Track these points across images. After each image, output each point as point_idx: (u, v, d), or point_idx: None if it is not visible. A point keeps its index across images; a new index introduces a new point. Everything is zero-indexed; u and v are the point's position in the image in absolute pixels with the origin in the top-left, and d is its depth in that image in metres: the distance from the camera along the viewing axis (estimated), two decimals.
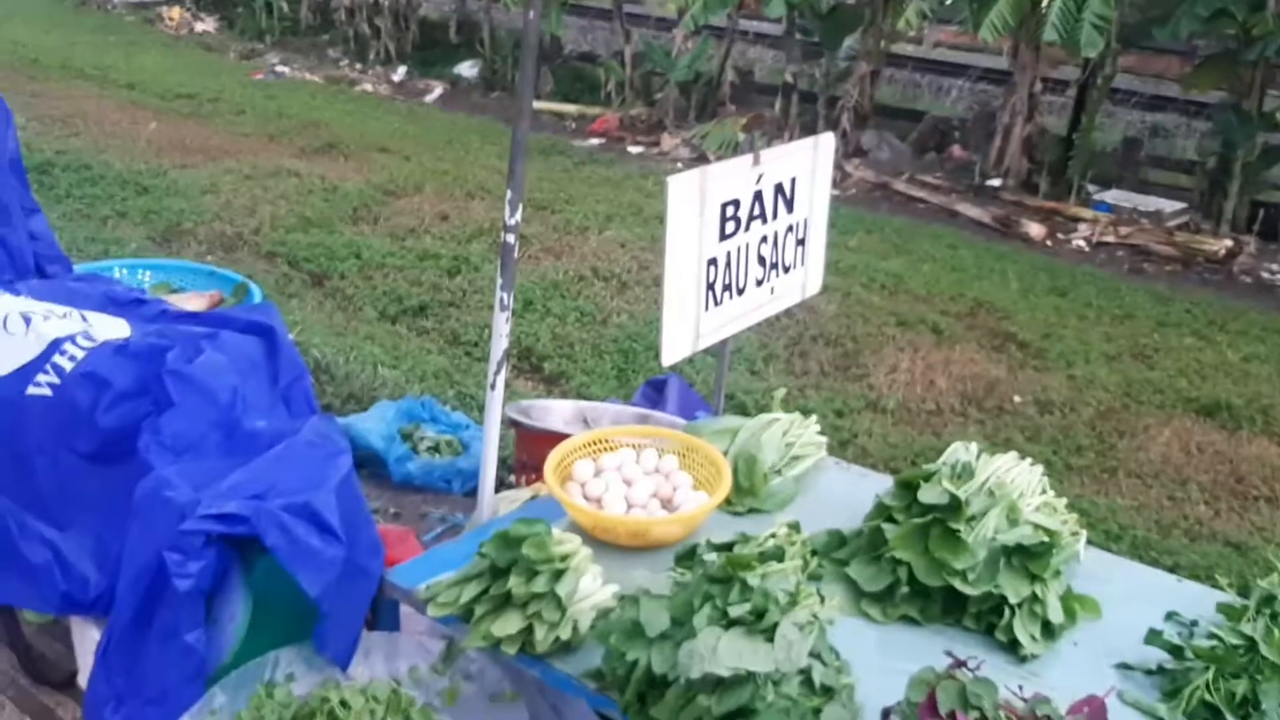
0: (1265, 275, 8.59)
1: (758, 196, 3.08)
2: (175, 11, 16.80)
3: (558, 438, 3.36)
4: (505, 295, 2.57)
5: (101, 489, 2.37)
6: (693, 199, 2.86)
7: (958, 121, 11.63)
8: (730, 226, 3.01)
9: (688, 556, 2.41)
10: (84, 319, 2.59)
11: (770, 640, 2.02)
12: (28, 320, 2.55)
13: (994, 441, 5.69)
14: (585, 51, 14.89)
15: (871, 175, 10.50)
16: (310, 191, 8.93)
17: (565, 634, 2.21)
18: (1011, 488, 2.60)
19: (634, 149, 11.38)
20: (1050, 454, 5.49)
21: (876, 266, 8.11)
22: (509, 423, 3.71)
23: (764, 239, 3.16)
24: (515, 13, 14.22)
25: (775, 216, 3.17)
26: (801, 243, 3.33)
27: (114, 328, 2.58)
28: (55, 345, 2.50)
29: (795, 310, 7.18)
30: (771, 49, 14.47)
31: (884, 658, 2.35)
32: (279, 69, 13.80)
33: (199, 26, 16.44)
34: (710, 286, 2.99)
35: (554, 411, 3.80)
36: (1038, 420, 6.05)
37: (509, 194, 2.50)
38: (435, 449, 4.24)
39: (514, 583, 2.20)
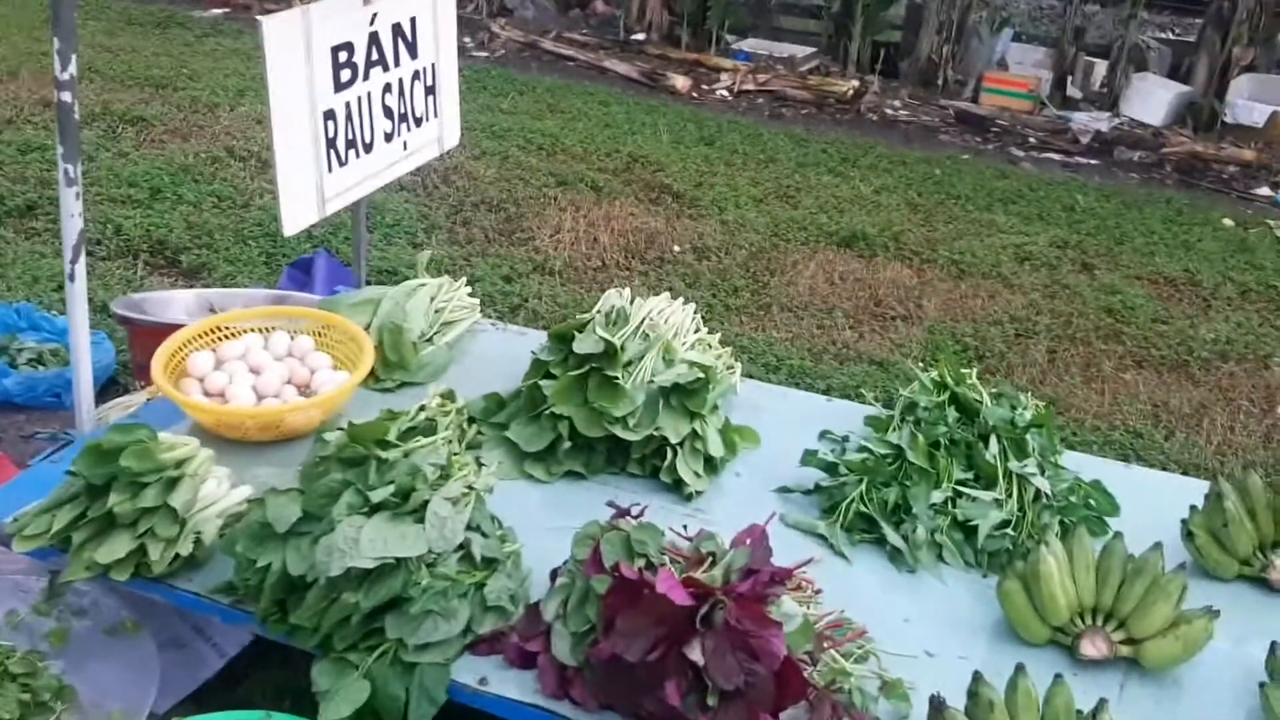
0: (888, 112, 9.13)
1: (374, 39, 2.78)
2: None
3: (169, 330, 2.99)
4: (69, 167, 2.16)
5: None
6: (295, 43, 2.54)
7: None
8: (346, 74, 2.71)
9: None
10: None
11: (420, 521, 1.84)
12: None
13: (657, 291, 5.74)
14: None
15: (519, 35, 10.25)
16: None
17: (186, 549, 1.94)
18: (666, 329, 2.53)
19: (262, 17, 10.47)
20: (710, 297, 5.62)
21: (532, 128, 7.99)
22: (120, 320, 3.25)
23: (387, 88, 2.87)
24: None
25: (398, 63, 2.88)
26: (431, 91, 3.06)
27: None
28: None
29: (455, 177, 6.94)
30: None
31: (551, 517, 2.25)
32: None
33: None
34: (331, 143, 2.68)
35: (174, 302, 3.38)
36: (696, 267, 6.17)
37: (57, 43, 2.08)
38: (38, 360, 3.69)
39: (115, 500, 1.90)
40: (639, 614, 1.70)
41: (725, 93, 9.42)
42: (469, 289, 2.95)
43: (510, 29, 10.36)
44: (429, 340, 2.73)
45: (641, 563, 1.83)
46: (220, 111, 7.78)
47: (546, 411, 2.36)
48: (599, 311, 2.63)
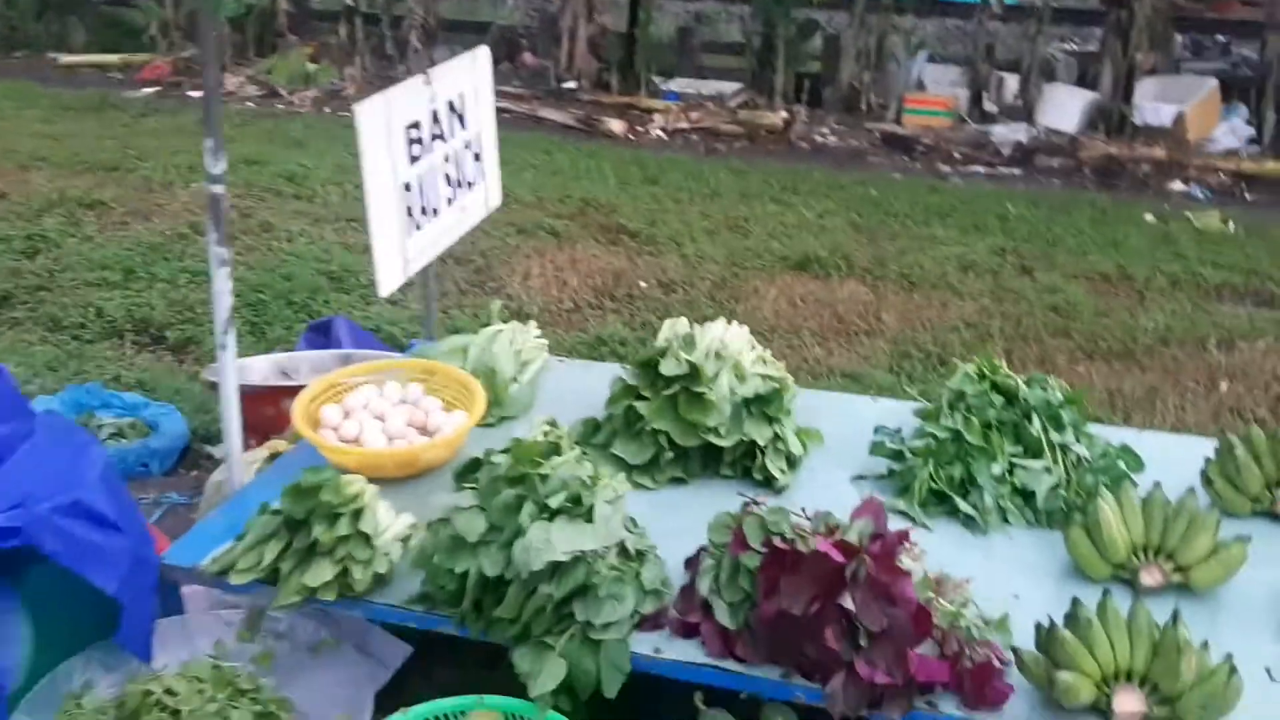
0: (818, 139, 9.63)
1: (435, 115, 3.10)
2: None
3: (266, 393, 3.26)
4: (223, 251, 2.44)
5: None
6: (380, 124, 2.83)
7: (523, 29, 11.86)
8: (416, 149, 3.02)
9: (469, 471, 2.47)
10: None
11: (590, 521, 2.16)
12: None
13: (632, 326, 6.08)
14: None
15: None
16: None
17: (382, 568, 2.22)
18: (731, 350, 2.88)
19: (195, 93, 10.60)
20: None
21: None
22: (208, 386, 3.48)
23: (446, 157, 3.19)
24: None
25: (453, 134, 3.20)
26: (478, 157, 3.39)
27: None
28: None
29: None
30: None
31: (662, 518, 2.57)
32: None
33: None
34: (410, 211, 2.99)
35: (252, 369, 3.62)
36: (665, 300, 6.45)
37: (209, 142, 2.36)
38: (120, 434, 3.89)
39: (319, 530, 2.17)
40: (799, 575, 2.04)
41: (660, 132, 9.83)
42: (537, 331, 3.27)
43: None
44: (514, 379, 3.04)
45: (779, 539, 2.17)
46: (175, 189, 7.88)
47: (646, 428, 2.70)
48: (666, 340, 2.96)
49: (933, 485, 2.59)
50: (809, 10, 10.38)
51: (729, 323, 3.08)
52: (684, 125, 9.85)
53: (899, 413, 3.02)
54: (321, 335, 4.71)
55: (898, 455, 2.72)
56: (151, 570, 2.20)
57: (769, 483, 2.68)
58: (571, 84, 10.68)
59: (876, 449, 2.77)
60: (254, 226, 7.09)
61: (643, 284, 6.64)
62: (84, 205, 7.43)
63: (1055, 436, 2.70)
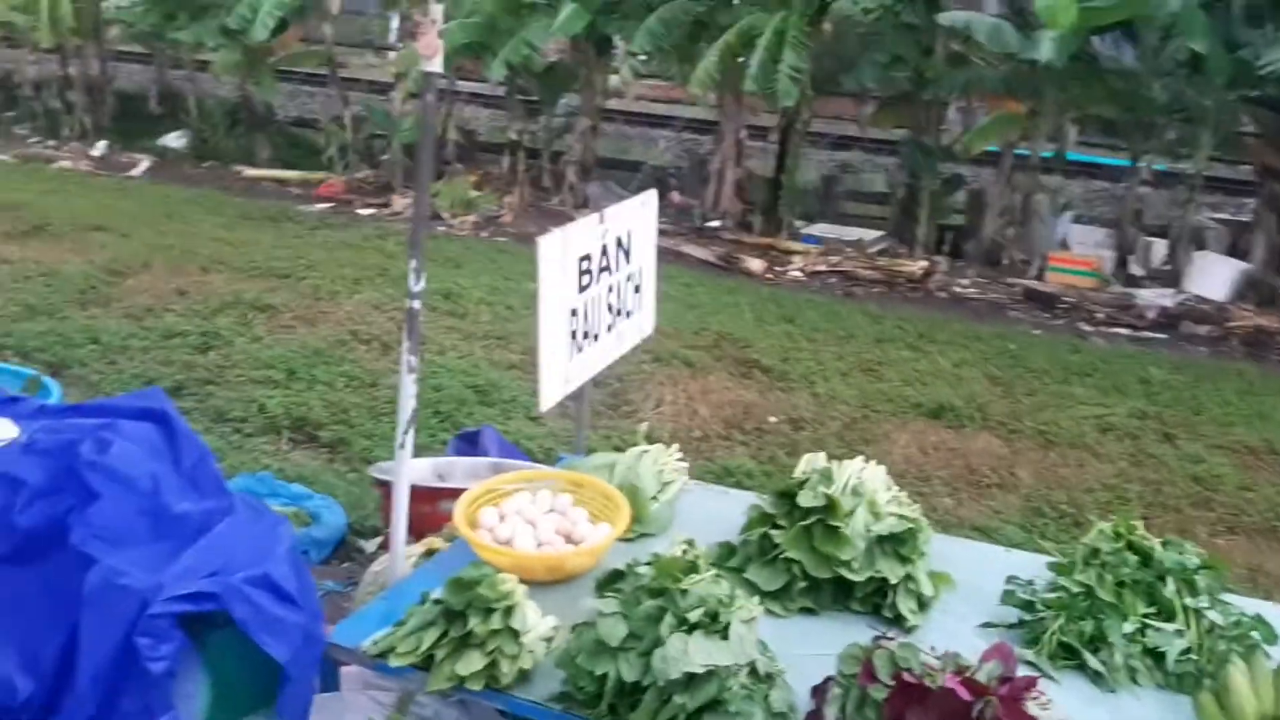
0: (958, 290, 9.73)
1: (604, 250, 3.35)
2: None
3: (423, 493, 3.49)
4: (412, 359, 2.69)
5: (20, 591, 2.28)
6: (557, 255, 3.09)
7: (673, 169, 12.38)
8: (585, 279, 3.26)
9: (611, 581, 2.61)
10: None
11: (726, 638, 2.27)
12: None
13: (759, 460, 6.19)
14: (298, 117, 14.67)
15: None
16: (27, 278, 8.35)
17: (527, 664, 2.37)
18: (867, 487, 2.99)
19: (364, 211, 11.36)
20: None
21: None
22: (378, 484, 3.73)
23: (610, 288, 3.43)
24: (222, 82, 13.86)
25: (619, 267, 3.45)
26: (638, 289, 3.63)
27: (3, 428, 2.49)
28: None
29: None
30: (487, 108, 14.83)
31: (792, 645, 2.65)
32: None
33: None
34: (574, 335, 3.22)
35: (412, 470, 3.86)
36: (793, 436, 6.55)
37: (412, 262, 2.64)
38: None
39: (474, 622, 2.33)
40: (926, 710, 2.11)
41: (799, 274, 10.07)
42: (679, 454, 3.44)
43: None
44: (654, 498, 3.20)
45: (907, 674, 2.25)
46: (340, 299, 8.38)
47: (780, 556, 2.81)
48: (804, 473, 3.09)
49: (1062, 638, 2.62)
50: (954, 165, 10.60)
51: (865, 462, 3.19)
52: (822, 268, 10.08)
53: (1031, 565, 3.06)
54: (469, 444, 4.96)
55: (1029, 606, 2.76)
56: (318, 646, 2.39)
57: (898, 621, 2.74)
58: (715, 223, 11.06)
59: (1007, 598, 2.81)
60: None
61: (772, 419, 6.75)
62: (256, 308, 7.96)
63: (1189, 600, 2.70)
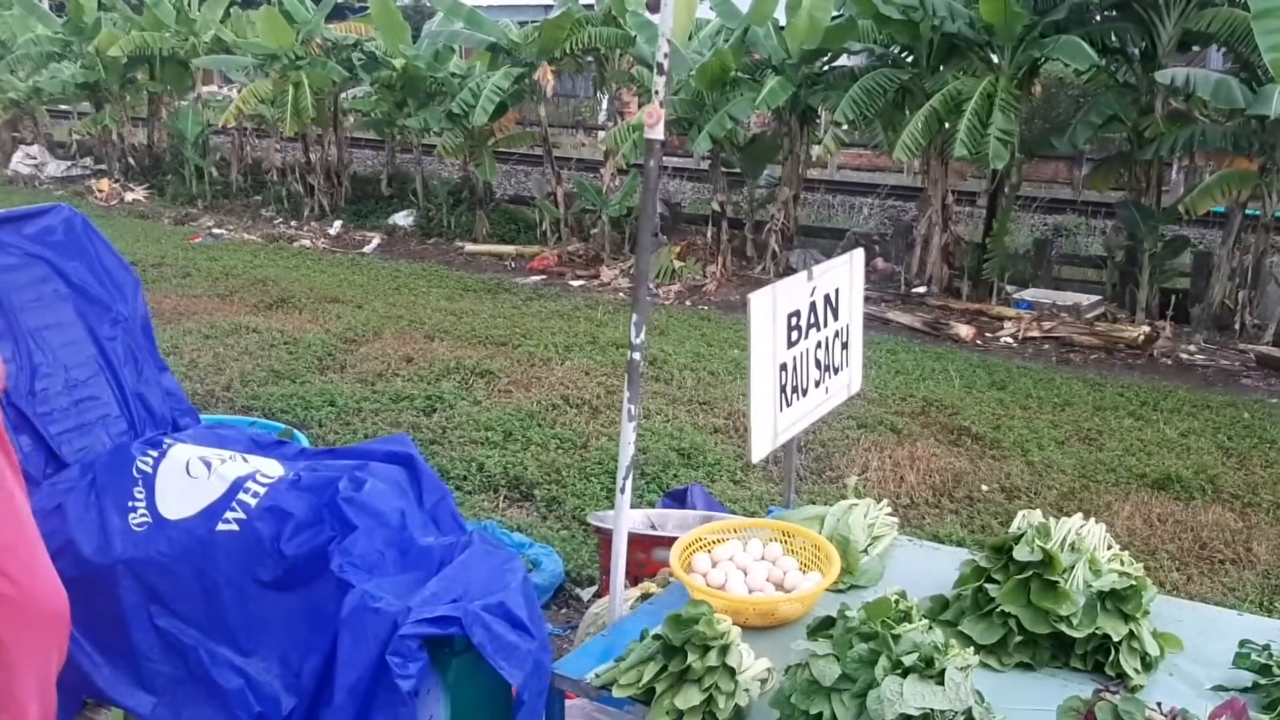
0: (1184, 356, 9.27)
1: (812, 307, 3.44)
2: (104, 183, 16.99)
3: (640, 541, 3.62)
4: (632, 407, 2.84)
5: (283, 614, 2.53)
6: (767, 312, 3.20)
7: (877, 235, 12.35)
8: (795, 335, 3.35)
9: (822, 627, 2.66)
10: (245, 460, 2.78)
11: (940, 683, 2.28)
12: (208, 464, 2.74)
13: (971, 529, 6.04)
14: (514, 194, 15.45)
15: None
16: (273, 345, 9.06)
17: (742, 702, 2.44)
18: (1086, 544, 2.93)
19: (575, 282, 11.82)
20: None
21: None
22: (597, 530, 3.90)
23: (819, 344, 3.50)
24: (445, 163, 14.79)
25: (827, 324, 3.53)
26: (845, 346, 3.69)
27: (272, 467, 2.78)
28: (238, 484, 2.69)
29: None
30: (691, 181, 15.24)
31: (1008, 699, 2.62)
32: (215, 231, 14.02)
33: (129, 196, 16.61)
34: (783, 389, 3.31)
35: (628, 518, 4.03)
36: (1007, 506, 6.34)
37: (635, 317, 2.81)
38: None
39: (692, 658, 2.43)
40: None
41: (1010, 340, 9.82)
42: (889, 509, 3.45)
43: None
44: (864, 551, 3.23)
45: None
46: (553, 365, 8.72)
47: (996, 610, 2.78)
48: (1019, 529, 3.06)
49: None
50: (1176, 226, 10.16)
51: (1085, 519, 3.13)
52: (1035, 334, 9.80)
53: (1268, 629, 2.92)
54: (677, 502, 5.11)
55: (1265, 670, 2.63)
56: (547, 675, 2.54)
57: (1121, 680, 2.67)
58: (920, 289, 10.94)
59: (1241, 661, 2.69)
60: (617, 403, 7.73)
61: (984, 487, 6.59)
62: (476, 373, 8.38)
63: None
